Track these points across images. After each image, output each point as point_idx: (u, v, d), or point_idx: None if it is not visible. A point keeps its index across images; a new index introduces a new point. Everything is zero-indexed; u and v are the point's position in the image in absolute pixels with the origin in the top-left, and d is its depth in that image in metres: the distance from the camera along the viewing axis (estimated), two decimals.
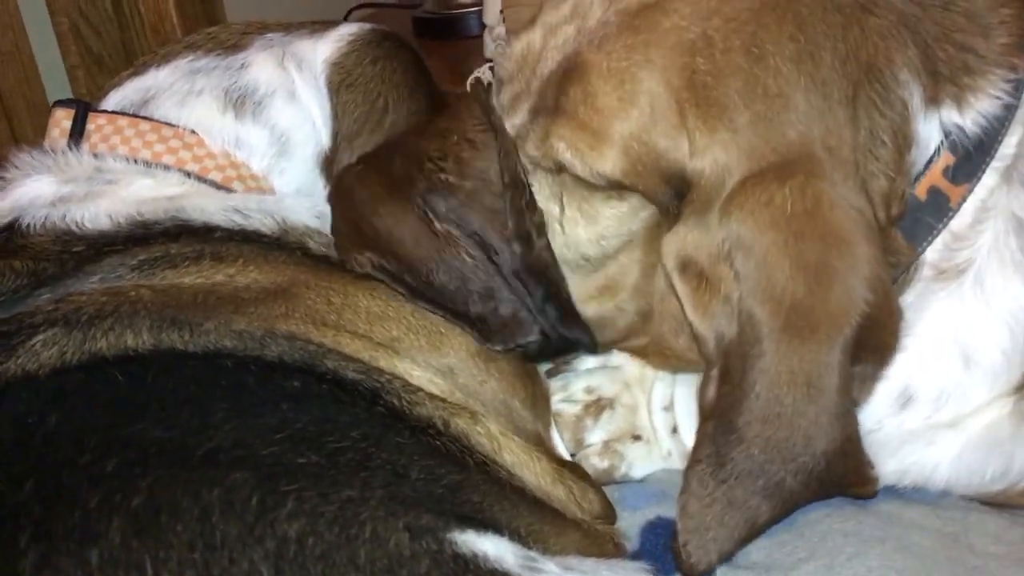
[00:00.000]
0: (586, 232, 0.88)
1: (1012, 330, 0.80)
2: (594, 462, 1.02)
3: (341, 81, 1.04)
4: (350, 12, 1.99)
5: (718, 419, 0.77)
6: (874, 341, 0.75)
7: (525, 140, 0.86)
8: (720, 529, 0.76)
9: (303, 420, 0.65)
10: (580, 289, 0.93)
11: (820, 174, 0.74)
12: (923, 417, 0.84)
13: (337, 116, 1.03)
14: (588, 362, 1.07)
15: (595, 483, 0.91)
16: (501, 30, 1.47)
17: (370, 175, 0.92)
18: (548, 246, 0.88)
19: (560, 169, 0.85)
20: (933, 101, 0.79)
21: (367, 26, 1.12)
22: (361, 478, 0.63)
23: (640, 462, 1.02)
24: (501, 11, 1.49)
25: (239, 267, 0.80)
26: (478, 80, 1.55)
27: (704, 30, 0.78)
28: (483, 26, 1.56)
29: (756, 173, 0.75)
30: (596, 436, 1.03)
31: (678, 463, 1.02)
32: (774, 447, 0.75)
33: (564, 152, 0.81)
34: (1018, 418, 0.83)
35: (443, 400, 0.75)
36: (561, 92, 0.82)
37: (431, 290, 0.86)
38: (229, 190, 0.95)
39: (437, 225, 0.86)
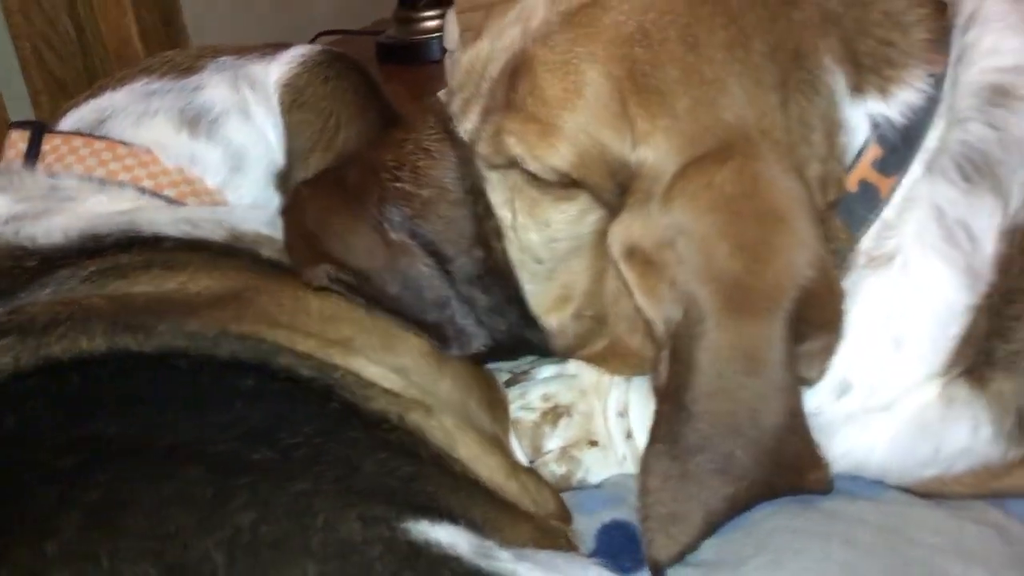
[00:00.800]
0: (538, 236, 0.89)
1: (936, 313, 0.82)
2: (552, 468, 1.03)
3: (293, 101, 1.06)
4: (315, 38, 2.02)
5: (670, 398, 0.79)
6: (818, 317, 0.77)
7: (477, 141, 0.88)
8: (675, 505, 0.78)
9: (257, 417, 0.66)
10: (537, 301, 0.95)
11: (756, 155, 0.77)
12: (860, 402, 0.86)
13: (290, 134, 1.05)
14: (545, 371, 1.08)
15: (550, 485, 0.92)
16: (461, 51, 1.49)
17: (324, 187, 0.93)
18: (505, 251, 0.90)
19: (512, 164, 0.86)
20: (858, 90, 0.82)
21: (318, 48, 1.14)
22: (314, 471, 0.64)
23: (597, 467, 1.03)
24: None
25: (189, 274, 0.81)
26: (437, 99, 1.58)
27: (641, 23, 0.81)
28: (444, 51, 1.58)
29: (696, 158, 0.78)
30: (554, 443, 1.04)
31: (633, 467, 1.04)
32: (721, 421, 0.77)
33: (515, 146, 0.83)
34: (945, 402, 0.85)
35: (397, 395, 0.76)
36: (510, 88, 0.84)
37: (387, 300, 0.87)
38: (183, 205, 0.96)
39: (392, 235, 0.87)
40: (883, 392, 0.85)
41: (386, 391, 0.76)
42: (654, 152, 0.80)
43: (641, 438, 1.03)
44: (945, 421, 0.85)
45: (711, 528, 0.80)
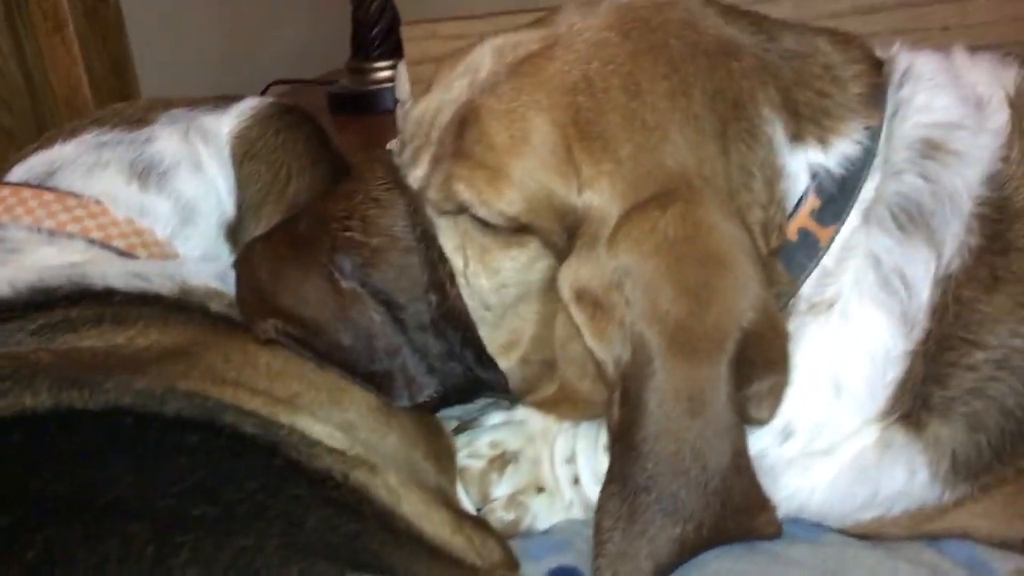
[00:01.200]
0: (488, 283, 0.91)
1: (873, 359, 0.85)
2: (500, 515, 1.03)
3: (245, 152, 1.07)
4: (268, 87, 2.03)
5: (621, 438, 0.80)
6: (763, 358, 0.80)
7: (427, 188, 0.90)
8: (624, 544, 0.79)
9: (200, 473, 0.66)
10: (487, 346, 0.96)
11: (698, 201, 0.79)
12: (801, 446, 0.88)
13: (241, 186, 1.06)
14: (493, 418, 1.09)
15: (497, 534, 0.93)
16: (411, 104, 1.51)
17: (275, 240, 0.94)
18: (459, 295, 0.91)
19: (461, 211, 0.88)
20: (797, 138, 0.85)
21: (269, 100, 1.16)
22: (257, 528, 0.64)
23: (544, 513, 1.04)
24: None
25: (139, 329, 0.81)
26: (388, 149, 1.59)
27: (585, 72, 0.84)
28: (396, 101, 1.60)
29: (639, 203, 0.80)
30: (502, 489, 1.04)
31: (580, 513, 1.04)
32: (665, 461, 0.78)
33: (464, 191, 0.85)
34: (882, 447, 0.87)
35: (343, 453, 0.77)
36: (458, 136, 0.86)
37: (337, 351, 0.87)
38: (133, 256, 0.96)
39: (343, 284, 0.88)
40: (824, 437, 0.87)
41: (331, 449, 0.77)
42: (599, 196, 0.82)
43: (588, 484, 1.04)
44: (882, 465, 0.87)
45: (660, 570, 0.81)
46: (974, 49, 0.95)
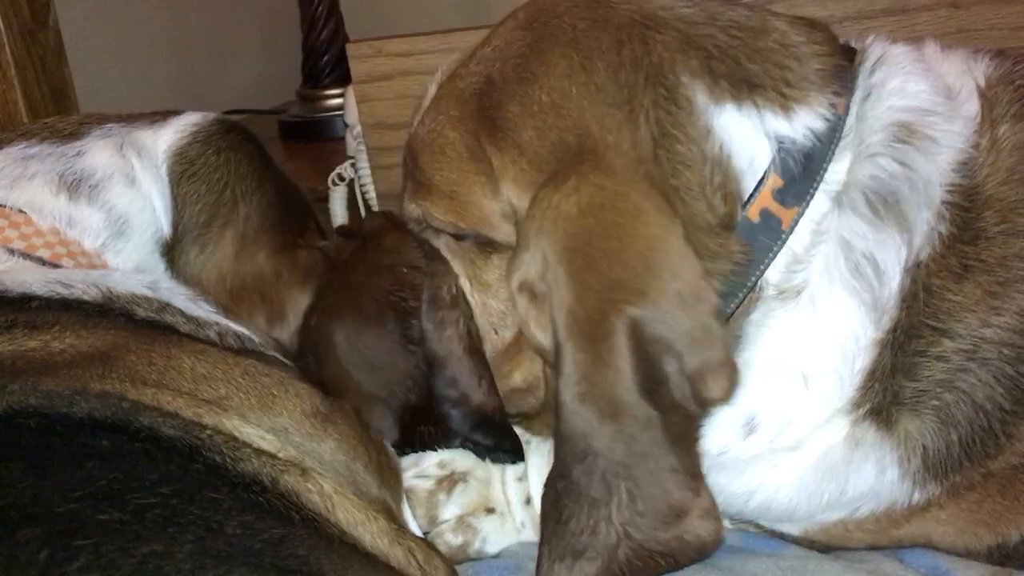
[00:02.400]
0: (483, 298, 0.91)
1: (843, 348, 0.81)
2: (448, 539, 0.98)
3: (183, 172, 1.02)
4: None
5: (554, 434, 0.77)
6: (678, 334, 0.74)
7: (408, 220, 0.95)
8: (555, 550, 0.76)
9: (108, 478, 0.60)
10: (501, 364, 0.93)
11: (596, 169, 0.77)
12: (767, 441, 0.83)
13: (178, 206, 1.00)
14: None
15: (443, 555, 0.87)
16: (359, 129, 1.49)
17: (342, 318, 0.97)
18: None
19: (422, 226, 0.93)
20: (753, 104, 0.81)
21: (210, 116, 1.11)
22: (168, 533, 0.58)
23: (494, 535, 0.99)
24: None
25: (54, 334, 0.75)
26: (350, 181, 1.59)
27: (489, 74, 0.86)
28: (346, 126, 1.58)
29: (543, 183, 0.79)
30: (450, 511, 1.00)
31: (531, 535, 0.99)
32: (567, 447, 0.75)
33: (415, 211, 0.91)
34: (852, 443, 0.83)
35: (272, 456, 0.71)
36: (406, 166, 0.92)
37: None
38: (57, 266, 0.91)
39: (412, 348, 0.94)
40: (791, 431, 0.83)
41: (259, 452, 0.71)
42: (514, 184, 0.82)
43: (540, 503, 0.99)
44: (851, 462, 0.83)
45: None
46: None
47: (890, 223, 0.80)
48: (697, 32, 0.84)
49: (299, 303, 1.02)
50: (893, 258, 0.80)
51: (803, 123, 0.82)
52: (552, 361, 0.78)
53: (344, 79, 1.55)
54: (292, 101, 2.25)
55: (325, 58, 2.12)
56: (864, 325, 0.80)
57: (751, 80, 0.82)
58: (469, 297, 0.92)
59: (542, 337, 0.79)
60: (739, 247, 0.80)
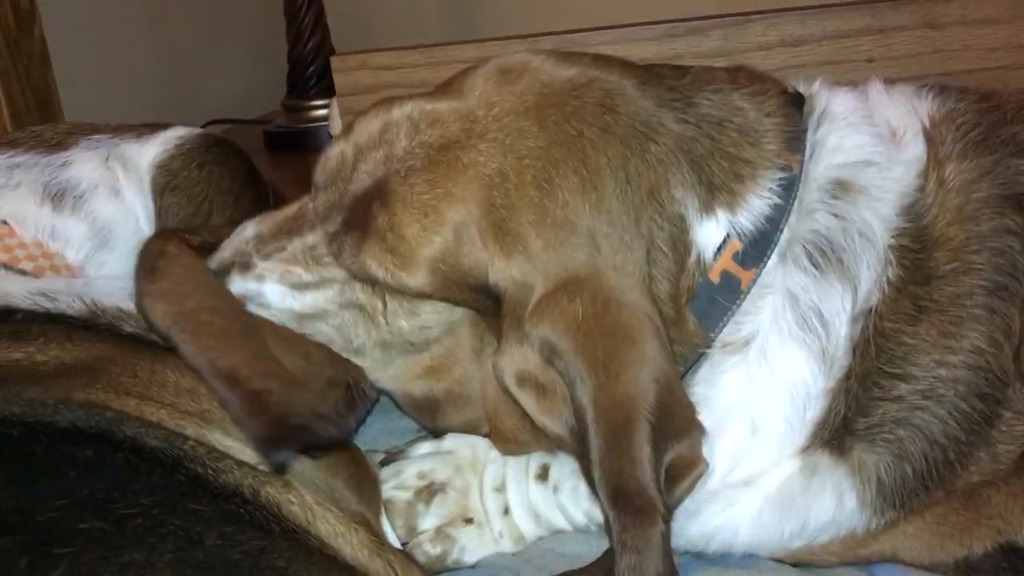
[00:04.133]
0: (408, 324, 0.90)
1: (792, 397, 0.82)
2: (427, 549, 0.99)
3: (166, 184, 1.03)
4: (204, 126, 2.00)
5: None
6: (672, 428, 0.78)
7: (341, 250, 0.88)
8: None
9: (91, 487, 0.61)
10: (407, 370, 0.94)
11: (607, 286, 0.79)
12: (720, 477, 0.85)
13: (160, 217, 1.01)
14: (421, 448, 1.05)
15: (421, 567, 0.88)
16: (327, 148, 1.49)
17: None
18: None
19: (374, 282, 0.87)
20: (708, 208, 0.84)
21: (197, 131, 1.11)
22: (149, 543, 0.58)
23: (472, 546, 0.99)
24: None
25: (39, 346, 0.75)
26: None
27: (500, 166, 0.83)
28: (330, 137, 1.59)
29: (551, 290, 0.80)
30: (428, 522, 1.00)
31: (510, 545, 1.00)
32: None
33: (376, 269, 0.85)
34: (808, 473, 0.84)
35: (253, 468, 0.71)
36: (370, 216, 0.85)
37: None
38: (40, 278, 0.91)
39: None
40: (742, 470, 0.85)
41: (241, 464, 0.71)
42: (514, 285, 0.82)
43: (518, 513, 1.00)
44: (809, 493, 0.84)
45: None
46: (892, 81, 0.95)
47: (831, 274, 0.82)
48: (683, 139, 0.85)
49: None
50: (838, 307, 0.82)
51: (751, 210, 0.84)
52: (569, 446, 0.82)
53: (330, 90, 1.56)
54: (277, 111, 2.26)
55: (311, 69, 2.12)
56: (815, 376, 0.82)
57: (713, 183, 0.85)
58: (380, 316, 0.90)
59: (553, 424, 0.82)
60: (694, 325, 0.84)
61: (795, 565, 0.92)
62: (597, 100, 0.85)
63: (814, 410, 0.83)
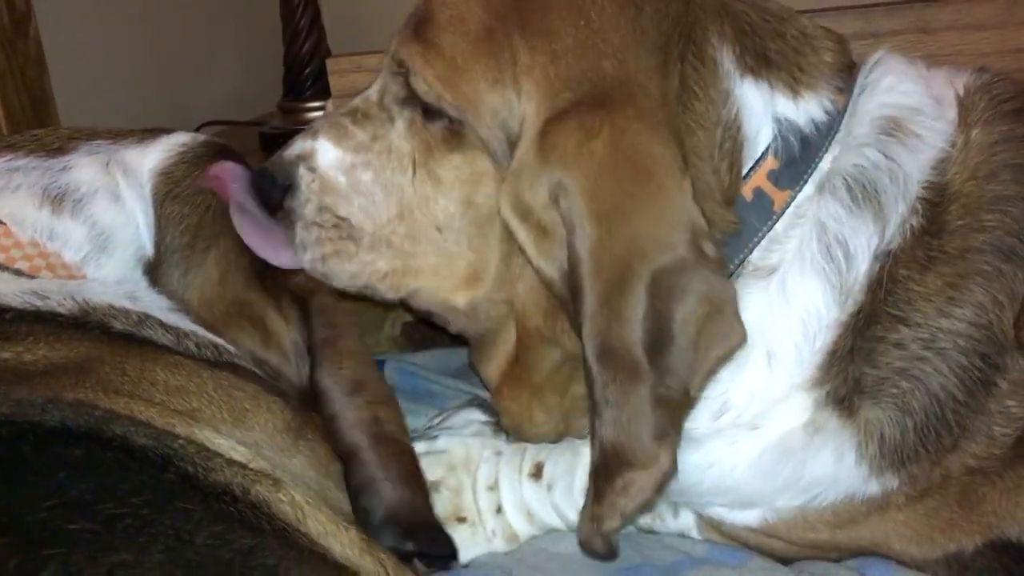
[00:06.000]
0: (433, 192, 0.88)
1: (804, 324, 0.83)
2: None
3: (167, 192, 1.01)
4: (199, 128, 1.99)
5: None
6: (691, 289, 0.76)
7: (385, 90, 0.90)
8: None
9: (80, 487, 0.60)
10: (447, 278, 0.92)
11: (630, 111, 0.77)
12: (732, 419, 0.85)
13: (160, 226, 0.99)
14: (415, 448, 1.05)
15: (413, 565, 0.88)
16: None
17: None
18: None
19: (410, 98, 0.88)
20: (760, 77, 0.84)
21: (200, 137, 1.09)
22: (139, 543, 0.57)
23: (465, 545, 0.98)
24: None
25: (27, 345, 0.75)
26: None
27: None
28: None
29: (572, 107, 0.77)
30: None
31: (503, 544, 1.00)
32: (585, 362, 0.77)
33: (402, 54, 0.86)
34: (812, 430, 0.84)
35: (243, 467, 0.70)
36: (411, 20, 0.87)
37: None
38: (36, 278, 0.90)
39: None
40: (754, 406, 0.84)
41: (231, 463, 0.70)
42: (536, 89, 0.80)
43: (512, 512, 0.99)
44: (810, 447, 0.84)
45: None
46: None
47: (866, 211, 0.83)
48: (733, 5, 0.86)
49: (288, 336, 1.01)
50: (864, 244, 0.82)
51: (807, 110, 0.85)
52: (559, 292, 0.79)
53: (326, 92, 1.56)
54: (273, 113, 2.25)
55: (307, 70, 2.11)
56: (828, 305, 0.82)
57: (770, 58, 0.85)
58: (409, 187, 0.89)
59: (547, 267, 0.79)
60: (734, 221, 0.82)
61: (786, 563, 0.92)
62: None
63: (823, 339, 0.83)
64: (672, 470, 0.77)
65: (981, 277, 0.81)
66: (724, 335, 0.77)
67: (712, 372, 0.79)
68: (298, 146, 0.95)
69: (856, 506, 0.86)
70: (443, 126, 0.86)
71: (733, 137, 0.82)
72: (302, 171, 0.94)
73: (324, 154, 0.93)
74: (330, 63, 1.44)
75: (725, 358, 0.78)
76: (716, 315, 0.76)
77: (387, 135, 0.91)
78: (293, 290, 1.03)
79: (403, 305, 0.99)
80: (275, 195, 0.96)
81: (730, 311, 0.77)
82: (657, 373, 0.75)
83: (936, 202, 0.83)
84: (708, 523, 0.97)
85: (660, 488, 0.78)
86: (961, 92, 0.89)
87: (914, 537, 0.87)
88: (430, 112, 0.86)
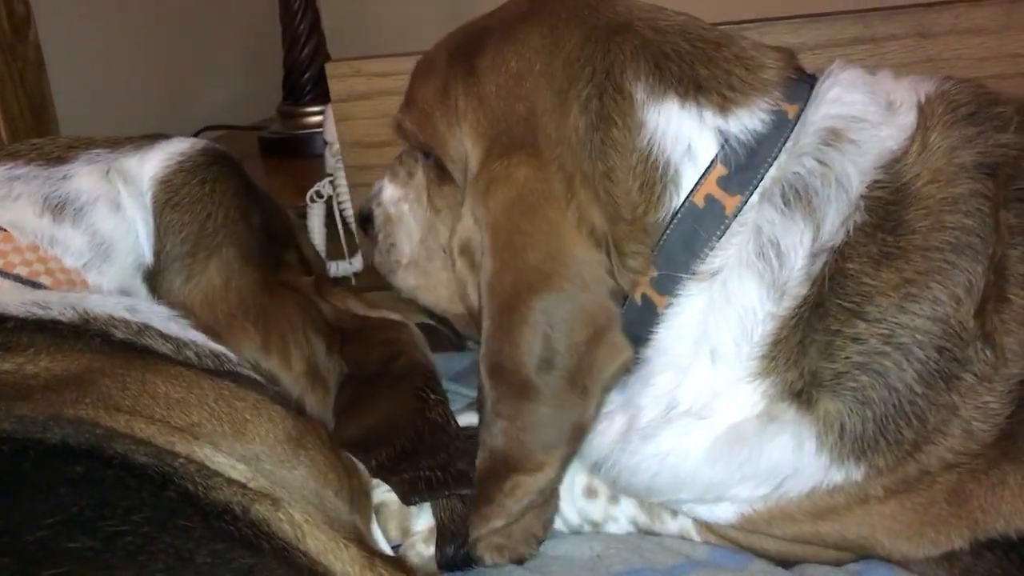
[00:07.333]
0: (432, 219, 1.03)
1: (742, 320, 0.86)
2: (420, 549, 0.98)
3: (167, 200, 1.00)
4: (199, 132, 1.99)
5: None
6: (578, 322, 0.85)
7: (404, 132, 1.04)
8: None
9: (81, 505, 0.59)
10: (452, 291, 1.02)
11: (528, 148, 0.87)
12: (682, 412, 0.88)
13: (160, 235, 0.99)
14: None
15: (414, 573, 0.87)
16: (338, 146, 1.49)
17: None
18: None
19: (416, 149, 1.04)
20: (695, 103, 0.89)
21: (200, 144, 1.09)
22: (139, 561, 0.57)
23: None
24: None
25: (29, 356, 0.74)
26: (329, 198, 1.59)
27: (486, 25, 0.96)
28: (325, 144, 1.58)
29: (492, 146, 0.88)
30: (422, 523, 0.99)
31: None
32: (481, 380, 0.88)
33: (408, 125, 1.00)
34: (767, 419, 0.86)
35: (243, 486, 0.70)
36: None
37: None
38: (36, 284, 0.89)
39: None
40: (700, 401, 0.88)
41: (231, 481, 0.70)
42: (470, 131, 0.91)
43: None
44: (764, 434, 0.86)
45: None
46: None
47: (796, 212, 0.86)
48: (661, 39, 0.92)
49: (294, 349, 1.02)
50: (796, 242, 0.85)
51: (742, 123, 0.89)
52: (478, 320, 0.87)
53: (325, 96, 1.55)
54: (272, 118, 2.24)
55: (306, 75, 2.11)
56: (762, 300, 0.86)
57: (699, 82, 0.90)
58: (423, 215, 1.03)
59: (474, 299, 0.88)
60: (647, 237, 0.88)
61: (787, 567, 0.92)
62: (590, 1, 0.95)
63: (760, 331, 0.86)
64: (558, 478, 0.88)
65: (938, 274, 0.82)
66: (609, 355, 0.86)
67: (607, 388, 0.88)
68: (376, 184, 1.12)
69: (828, 496, 0.87)
70: (433, 163, 0.99)
71: (645, 159, 0.88)
72: (374, 205, 1.12)
73: (385, 190, 1.10)
74: (329, 68, 1.44)
75: (617, 374, 0.88)
76: (599, 339, 0.85)
77: (416, 173, 1.05)
78: (299, 292, 1.05)
79: (427, 312, 1.16)
80: (364, 224, 1.16)
81: (613, 333, 0.86)
82: (551, 392, 0.84)
83: (892, 200, 0.85)
84: (702, 524, 0.97)
85: (545, 492, 0.88)
86: (923, 99, 0.91)
87: (903, 532, 0.88)
88: (425, 151, 0.99)
